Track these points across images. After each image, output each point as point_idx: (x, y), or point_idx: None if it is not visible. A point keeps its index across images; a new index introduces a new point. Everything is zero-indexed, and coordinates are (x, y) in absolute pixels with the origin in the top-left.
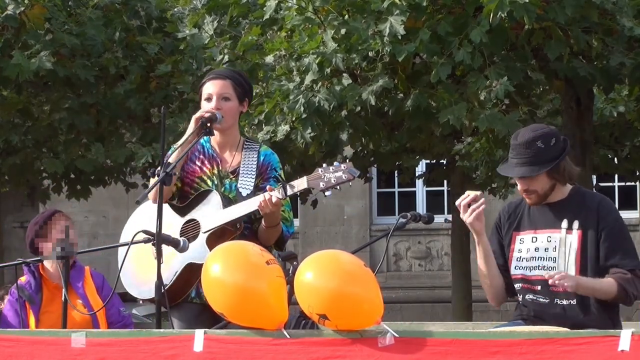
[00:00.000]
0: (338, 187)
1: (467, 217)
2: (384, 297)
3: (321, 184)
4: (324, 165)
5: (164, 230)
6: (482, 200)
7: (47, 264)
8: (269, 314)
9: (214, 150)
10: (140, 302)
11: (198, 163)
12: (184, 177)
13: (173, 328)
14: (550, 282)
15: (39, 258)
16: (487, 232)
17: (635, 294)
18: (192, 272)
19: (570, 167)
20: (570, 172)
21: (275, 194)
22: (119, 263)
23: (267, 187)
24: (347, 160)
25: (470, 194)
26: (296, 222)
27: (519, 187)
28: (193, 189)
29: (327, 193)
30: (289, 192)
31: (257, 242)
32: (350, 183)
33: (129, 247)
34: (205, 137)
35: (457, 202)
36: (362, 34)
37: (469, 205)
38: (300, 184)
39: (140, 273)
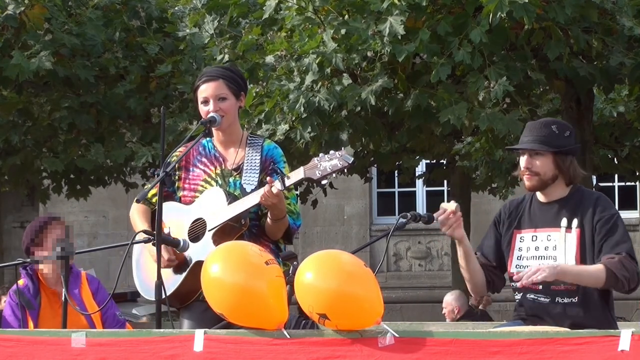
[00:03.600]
0: (334, 175)
1: (446, 230)
2: (384, 297)
3: (317, 172)
4: (320, 154)
5: (174, 231)
6: (458, 214)
7: (45, 269)
8: (268, 314)
9: (216, 150)
10: (138, 300)
11: (201, 166)
12: (189, 184)
13: (181, 328)
14: (524, 282)
15: (37, 258)
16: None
17: (626, 276)
18: (200, 270)
19: (577, 167)
20: (575, 171)
21: (275, 186)
22: (133, 264)
23: (268, 179)
24: (342, 149)
25: (446, 208)
26: None
27: (522, 164)
28: (199, 192)
29: (323, 182)
30: (287, 182)
31: (266, 238)
32: (346, 170)
33: (129, 247)
34: (206, 139)
35: (435, 216)
36: (362, 34)
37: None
38: (297, 174)
39: (152, 273)
